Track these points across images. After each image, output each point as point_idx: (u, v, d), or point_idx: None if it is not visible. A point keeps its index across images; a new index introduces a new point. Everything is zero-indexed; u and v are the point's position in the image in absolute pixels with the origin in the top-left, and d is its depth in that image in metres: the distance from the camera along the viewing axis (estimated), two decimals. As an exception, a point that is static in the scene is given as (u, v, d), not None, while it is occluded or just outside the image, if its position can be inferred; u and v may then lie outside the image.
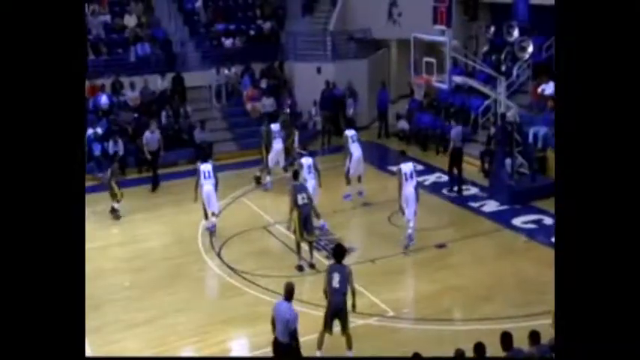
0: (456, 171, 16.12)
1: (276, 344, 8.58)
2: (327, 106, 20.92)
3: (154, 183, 17.18)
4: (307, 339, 9.31)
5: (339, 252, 9.60)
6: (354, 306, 9.39)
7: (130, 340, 10.22)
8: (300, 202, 12.09)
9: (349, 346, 9.41)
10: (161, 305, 11.23)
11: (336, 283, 9.16)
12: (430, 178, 17.20)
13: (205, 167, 13.96)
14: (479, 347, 7.29)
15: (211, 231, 13.90)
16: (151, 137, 17.19)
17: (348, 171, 15.76)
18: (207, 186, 13.83)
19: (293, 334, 8.41)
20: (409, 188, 12.92)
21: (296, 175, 13.08)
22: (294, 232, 12.22)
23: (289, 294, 8.57)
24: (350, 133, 16.12)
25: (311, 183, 13.75)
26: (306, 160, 14.30)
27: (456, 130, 16.19)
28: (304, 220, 12.12)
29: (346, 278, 9.20)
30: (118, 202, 15.23)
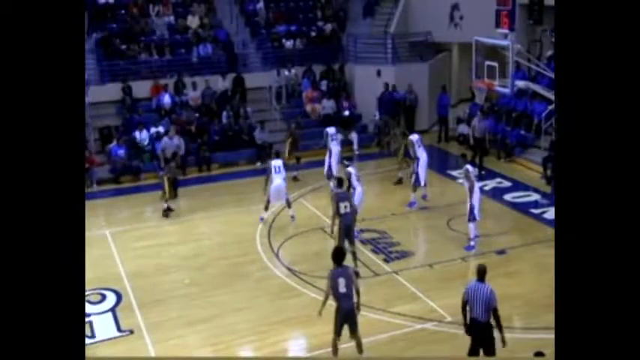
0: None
1: (472, 325, 8.61)
2: (387, 110, 20.81)
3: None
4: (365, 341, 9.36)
5: (338, 255, 9.31)
6: (359, 306, 9.28)
7: (189, 337, 10.43)
8: (342, 210, 12.04)
9: (360, 351, 9.28)
10: (220, 304, 11.38)
11: (342, 288, 8.97)
12: (491, 184, 16.94)
13: (276, 162, 14.60)
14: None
15: (292, 217, 14.76)
16: (170, 143, 17.26)
17: (417, 177, 15.36)
18: (278, 180, 14.39)
19: (495, 312, 8.45)
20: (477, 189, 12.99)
21: (340, 182, 13.03)
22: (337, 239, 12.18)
23: (482, 274, 8.68)
24: (415, 137, 15.91)
25: (358, 190, 13.70)
26: (353, 169, 14.27)
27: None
28: (346, 229, 12.05)
29: (352, 281, 9.08)
30: (166, 201, 15.46)
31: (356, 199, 13.23)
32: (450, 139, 20.95)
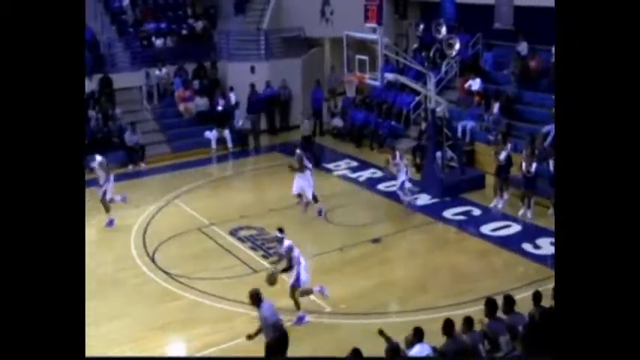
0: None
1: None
2: (255, 109, 20.82)
3: None
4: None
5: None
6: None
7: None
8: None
9: None
10: (93, 315, 10.86)
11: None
12: (365, 174, 17.40)
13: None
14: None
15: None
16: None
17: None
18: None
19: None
20: None
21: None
22: None
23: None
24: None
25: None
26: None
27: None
28: None
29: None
30: None
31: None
32: (325, 132, 21.28)
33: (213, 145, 19.61)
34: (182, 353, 10.24)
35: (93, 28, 21.97)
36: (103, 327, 10.48)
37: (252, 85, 20.89)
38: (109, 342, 10.10)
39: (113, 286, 11.90)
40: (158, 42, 22.55)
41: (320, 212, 14.64)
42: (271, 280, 10.24)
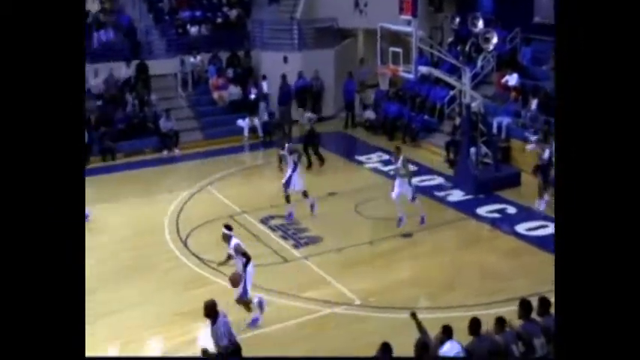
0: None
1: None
2: (285, 100, 20.75)
3: None
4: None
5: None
6: None
7: (94, 331, 10.07)
8: None
9: None
10: (124, 297, 11.09)
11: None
12: (396, 168, 17.32)
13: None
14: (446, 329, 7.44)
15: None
16: None
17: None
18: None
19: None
20: None
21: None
22: None
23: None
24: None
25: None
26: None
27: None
28: None
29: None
30: None
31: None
32: (357, 124, 21.24)
33: (246, 133, 19.70)
34: (207, 339, 10.30)
35: (130, 15, 22.27)
36: (134, 311, 10.66)
37: (284, 76, 20.89)
38: (138, 326, 10.28)
39: (146, 270, 12.07)
40: (193, 30, 22.70)
41: (312, 207, 14.30)
42: (235, 282, 9.96)
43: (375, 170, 17.27)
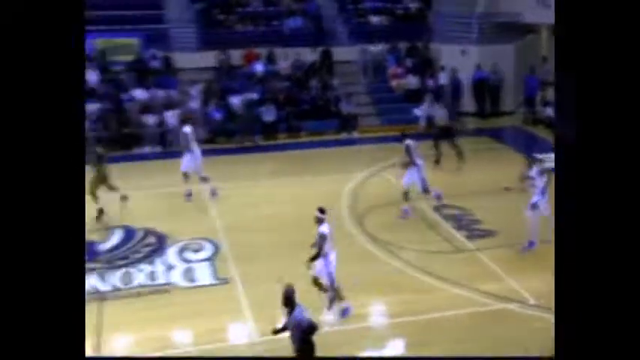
0: None
1: None
2: (455, 94, 20.87)
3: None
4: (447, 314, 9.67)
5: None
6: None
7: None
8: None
9: None
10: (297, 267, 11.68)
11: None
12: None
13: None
14: None
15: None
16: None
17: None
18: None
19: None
20: None
21: None
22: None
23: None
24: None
25: (420, 164, 13.92)
26: (412, 142, 14.10)
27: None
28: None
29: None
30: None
31: (418, 175, 13.66)
32: (537, 121, 20.71)
33: (422, 122, 20.00)
34: (380, 315, 10.59)
35: (317, 1, 23.34)
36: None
37: (454, 70, 20.90)
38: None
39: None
40: (374, 19, 23.33)
41: (405, 212, 13.85)
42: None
43: (552, 169, 16.77)
